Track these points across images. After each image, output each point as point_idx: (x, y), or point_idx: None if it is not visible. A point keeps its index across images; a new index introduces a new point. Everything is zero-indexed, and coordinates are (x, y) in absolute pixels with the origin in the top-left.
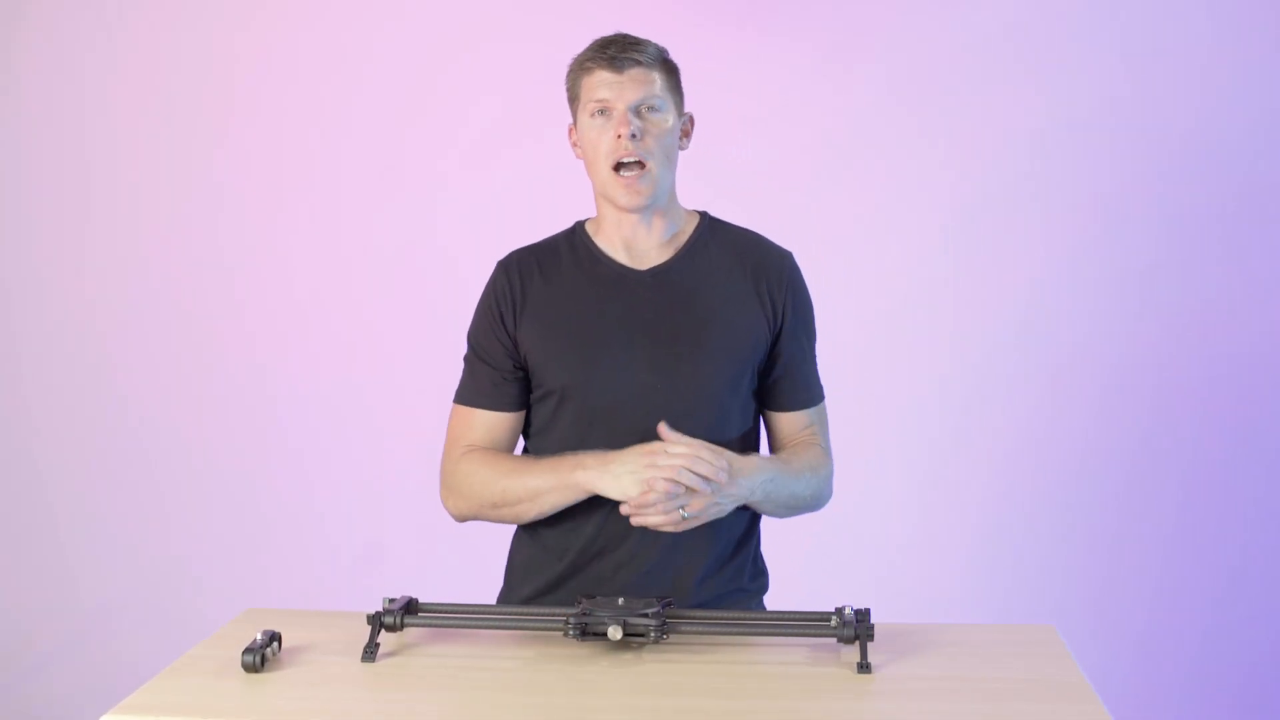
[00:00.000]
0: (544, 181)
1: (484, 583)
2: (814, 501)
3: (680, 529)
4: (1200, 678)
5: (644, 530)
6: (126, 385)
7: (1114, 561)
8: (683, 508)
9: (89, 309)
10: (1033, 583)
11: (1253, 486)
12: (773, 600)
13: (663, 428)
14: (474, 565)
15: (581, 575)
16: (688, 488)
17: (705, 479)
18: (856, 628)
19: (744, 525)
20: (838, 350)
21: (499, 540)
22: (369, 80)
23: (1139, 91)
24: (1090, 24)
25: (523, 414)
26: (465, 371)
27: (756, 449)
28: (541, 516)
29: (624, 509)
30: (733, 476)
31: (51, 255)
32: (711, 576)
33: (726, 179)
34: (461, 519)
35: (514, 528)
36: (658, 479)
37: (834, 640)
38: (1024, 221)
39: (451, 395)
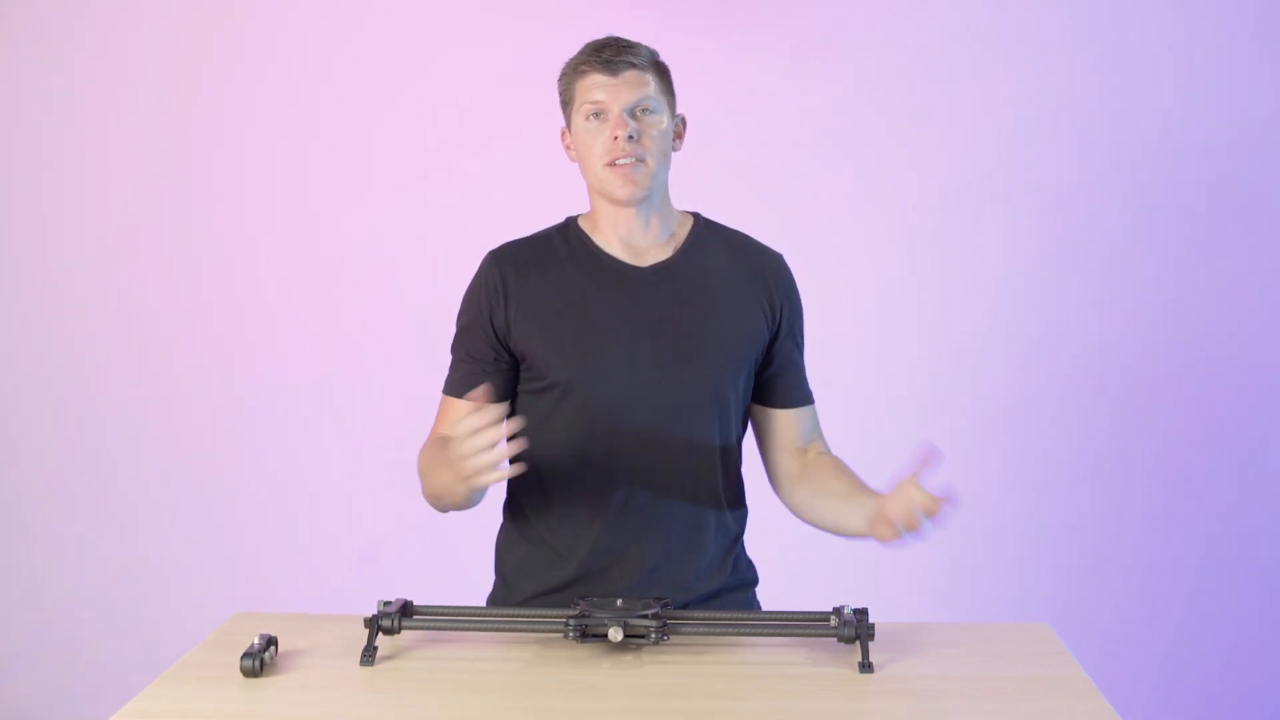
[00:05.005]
0: (522, 179)
1: (463, 583)
2: None
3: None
4: (1176, 669)
5: (649, 533)
6: (96, 385)
7: (1086, 557)
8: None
9: (58, 307)
10: (1002, 580)
11: (1222, 481)
12: (762, 601)
13: None
14: (455, 565)
15: (587, 578)
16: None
17: None
18: (857, 627)
19: (740, 520)
20: (811, 349)
21: (478, 542)
22: (342, 75)
23: (1108, 91)
24: (1059, 24)
25: (502, 407)
26: (451, 361)
27: (742, 453)
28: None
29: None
30: None
31: (19, 252)
32: (712, 572)
33: (699, 177)
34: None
35: (500, 523)
36: None
37: (833, 640)
38: (992, 220)
39: (431, 393)
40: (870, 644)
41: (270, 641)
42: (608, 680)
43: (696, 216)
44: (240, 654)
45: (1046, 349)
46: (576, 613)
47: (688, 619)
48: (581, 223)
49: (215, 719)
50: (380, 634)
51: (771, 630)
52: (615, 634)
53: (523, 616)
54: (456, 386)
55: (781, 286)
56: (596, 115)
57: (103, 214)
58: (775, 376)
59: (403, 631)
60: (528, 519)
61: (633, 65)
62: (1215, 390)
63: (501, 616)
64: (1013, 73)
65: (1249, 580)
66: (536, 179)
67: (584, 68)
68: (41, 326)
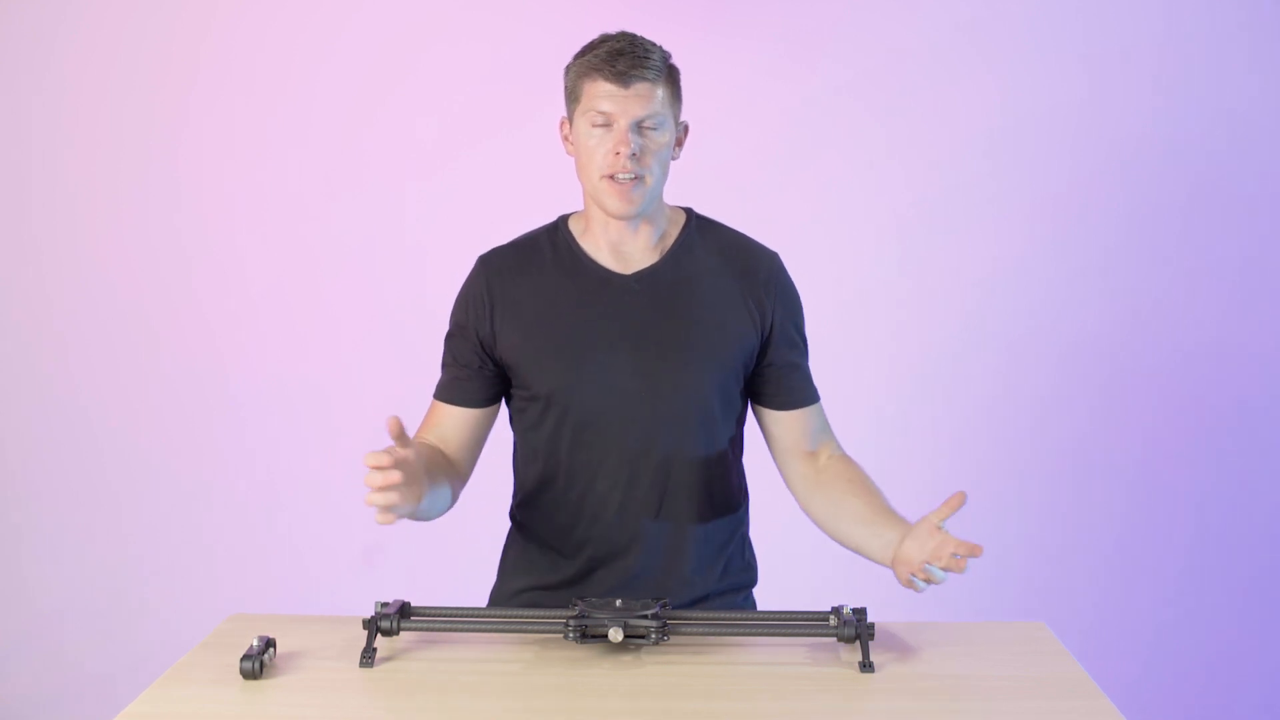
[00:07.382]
0: (510, 180)
1: (461, 584)
2: None
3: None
4: (1170, 665)
5: (632, 541)
6: (86, 385)
7: (1080, 555)
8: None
9: (45, 305)
10: (999, 579)
11: (1212, 477)
12: (762, 601)
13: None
14: (453, 566)
15: (580, 577)
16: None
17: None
18: (857, 627)
19: (731, 526)
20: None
21: (476, 543)
22: (331, 76)
23: (1097, 91)
24: (1049, 24)
25: (486, 411)
26: (441, 364)
27: (740, 453)
28: None
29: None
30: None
31: (5, 251)
32: (699, 578)
33: (690, 177)
34: None
35: (508, 523)
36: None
37: (833, 640)
38: (982, 220)
39: (422, 392)
40: (870, 644)
41: (269, 643)
42: (608, 680)
43: (689, 214)
44: (238, 656)
45: (1038, 347)
46: (576, 613)
47: (688, 619)
48: (572, 224)
49: None
50: (379, 635)
51: (771, 630)
52: (615, 634)
53: (522, 618)
54: (440, 390)
55: (773, 287)
56: (602, 124)
57: (91, 214)
58: (772, 379)
59: (401, 633)
60: (522, 521)
61: (645, 79)
62: (1203, 387)
63: (501, 618)
64: (1001, 72)
65: (1242, 575)
66: (525, 180)
67: (594, 73)
68: (29, 326)
